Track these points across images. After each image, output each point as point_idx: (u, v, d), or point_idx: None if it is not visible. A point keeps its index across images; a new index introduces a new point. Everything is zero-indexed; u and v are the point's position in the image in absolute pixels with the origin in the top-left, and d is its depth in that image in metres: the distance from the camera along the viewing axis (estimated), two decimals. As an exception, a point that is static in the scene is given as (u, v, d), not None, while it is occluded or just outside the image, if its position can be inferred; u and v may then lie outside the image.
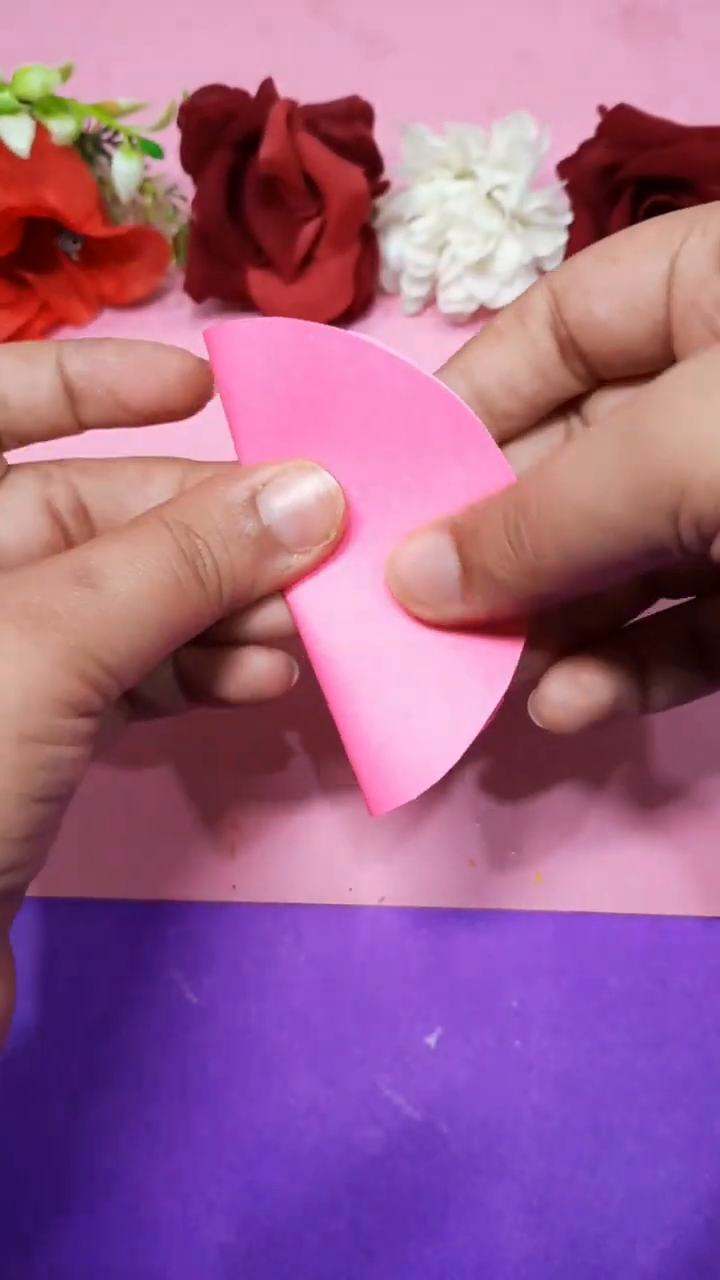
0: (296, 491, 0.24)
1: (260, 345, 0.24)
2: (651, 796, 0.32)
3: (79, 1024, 0.30)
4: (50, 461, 0.27)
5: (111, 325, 0.42)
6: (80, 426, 0.26)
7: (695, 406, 0.19)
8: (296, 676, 0.26)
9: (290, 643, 0.25)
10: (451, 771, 0.24)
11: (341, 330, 0.24)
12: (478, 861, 0.31)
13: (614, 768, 0.32)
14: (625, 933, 0.30)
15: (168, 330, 0.42)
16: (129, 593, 0.21)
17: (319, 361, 0.24)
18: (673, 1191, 0.28)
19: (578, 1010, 0.29)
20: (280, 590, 0.25)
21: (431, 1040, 0.29)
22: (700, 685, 0.27)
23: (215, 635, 0.25)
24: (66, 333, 0.42)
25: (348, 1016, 0.29)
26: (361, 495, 0.25)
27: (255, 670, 0.26)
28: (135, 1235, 0.28)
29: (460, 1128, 0.28)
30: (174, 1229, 0.28)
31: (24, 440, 0.26)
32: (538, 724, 0.25)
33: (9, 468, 0.26)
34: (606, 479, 0.20)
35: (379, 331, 0.42)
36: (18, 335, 0.41)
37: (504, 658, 0.25)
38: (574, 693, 0.25)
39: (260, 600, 0.25)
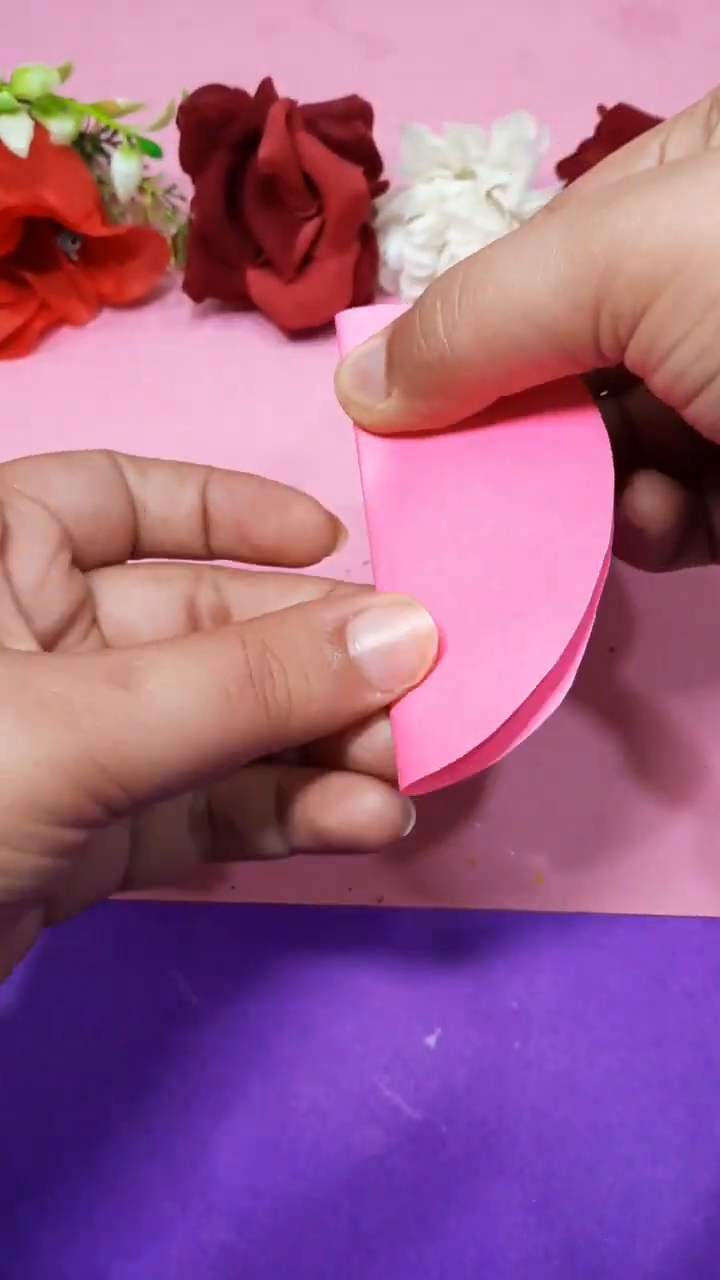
0: (390, 630, 0.22)
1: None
2: (651, 797, 0.32)
3: (79, 1024, 0.30)
4: (203, 563, 0.26)
5: (111, 324, 0.42)
6: (209, 553, 0.26)
7: (633, 200, 0.19)
8: (411, 826, 0.23)
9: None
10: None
11: None
12: (477, 861, 0.31)
13: (614, 768, 0.32)
14: (625, 933, 0.30)
15: (167, 330, 0.42)
16: (165, 701, 0.19)
17: None
18: (671, 1191, 0.28)
19: (577, 1010, 0.29)
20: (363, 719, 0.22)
21: (431, 1040, 0.29)
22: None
23: (320, 756, 0.24)
24: (65, 332, 0.42)
25: (347, 1017, 0.29)
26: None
27: (363, 804, 0.23)
28: (135, 1235, 0.28)
29: (460, 1127, 0.28)
30: (174, 1229, 0.28)
31: (153, 552, 0.26)
32: (634, 522, 0.24)
33: (164, 564, 0.26)
34: (537, 263, 0.20)
35: (378, 331, 0.42)
36: (17, 334, 0.41)
37: (566, 619, 0.21)
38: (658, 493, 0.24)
39: (373, 720, 0.23)
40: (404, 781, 0.22)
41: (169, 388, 0.41)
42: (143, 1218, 0.28)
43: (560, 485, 0.22)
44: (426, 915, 0.31)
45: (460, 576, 0.23)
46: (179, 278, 0.42)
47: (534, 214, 0.25)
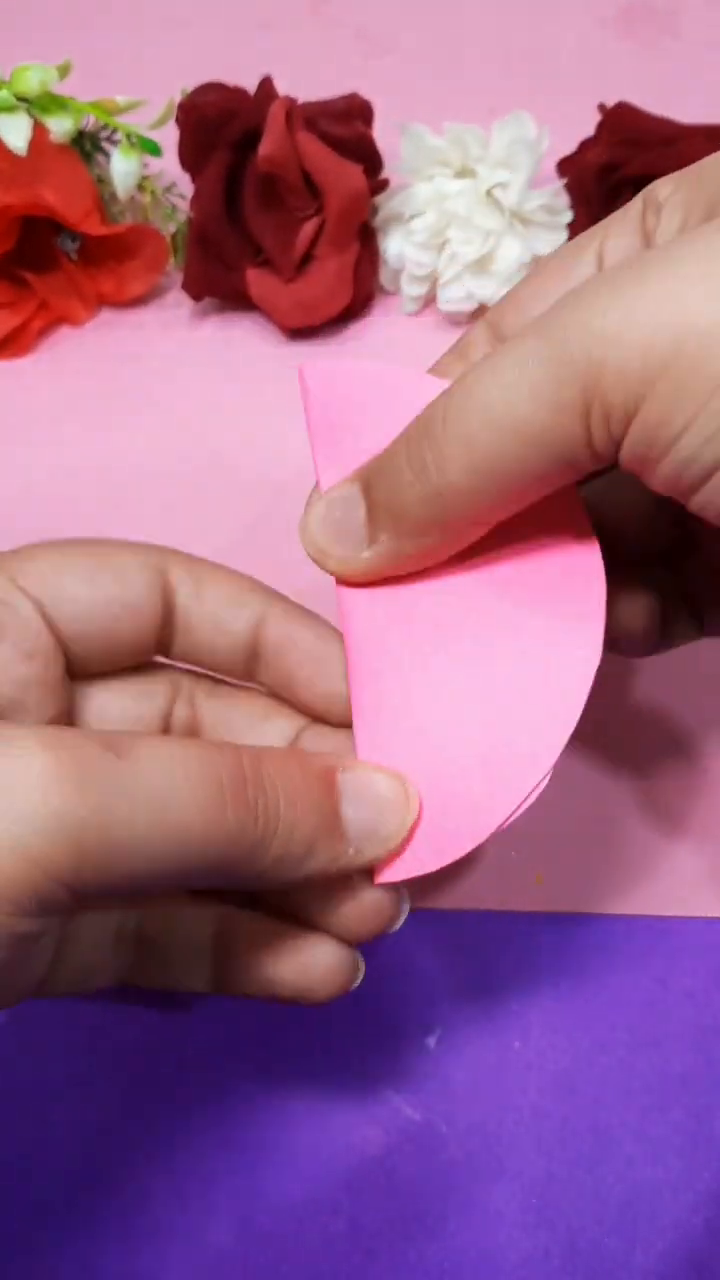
0: (372, 796, 0.22)
1: (355, 392, 0.24)
2: (651, 798, 0.32)
3: (77, 1025, 0.30)
4: (187, 671, 0.26)
5: (110, 324, 0.42)
6: (247, 677, 0.25)
7: (607, 298, 0.18)
8: (359, 981, 0.23)
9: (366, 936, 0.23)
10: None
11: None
12: (478, 862, 0.31)
13: (614, 769, 0.32)
14: (624, 933, 0.30)
15: (166, 329, 0.42)
16: (156, 775, 0.18)
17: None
18: (671, 1191, 0.28)
19: (577, 1010, 0.29)
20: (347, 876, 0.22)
21: (431, 1041, 0.29)
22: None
23: (271, 903, 0.24)
24: (65, 331, 0.42)
25: (347, 1017, 0.29)
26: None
27: (318, 958, 0.23)
28: (135, 1237, 0.28)
29: (459, 1128, 0.28)
30: (173, 1230, 0.28)
31: (179, 659, 0.25)
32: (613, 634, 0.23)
33: (151, 675, 0.25)
34: (517, 376, 0.19)
35: (378, 330, 0.42)
36: (16, 334, 0.41)
37: (551, 740, 0.22)
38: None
39: (352, 885, 0.22)
40: (379, 878, 0.22)
41: (168, 387, 0.41)
42: (142, 1218, 0.28)
43: (551, 612, 0.22)
44: (427, 916, 0.31)
45: (449, 716, 0.23)
46: (178, 277, 0.42)
47: (448, 354, 0.25)
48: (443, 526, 0.21)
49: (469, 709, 0.22)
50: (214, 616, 0.24)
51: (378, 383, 0.24)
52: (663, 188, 0.23)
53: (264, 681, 0.25)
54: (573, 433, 0.19)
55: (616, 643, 0.25)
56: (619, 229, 0.23)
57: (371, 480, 0.22)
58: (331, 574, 0.23)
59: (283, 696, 0.25)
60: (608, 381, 0.18)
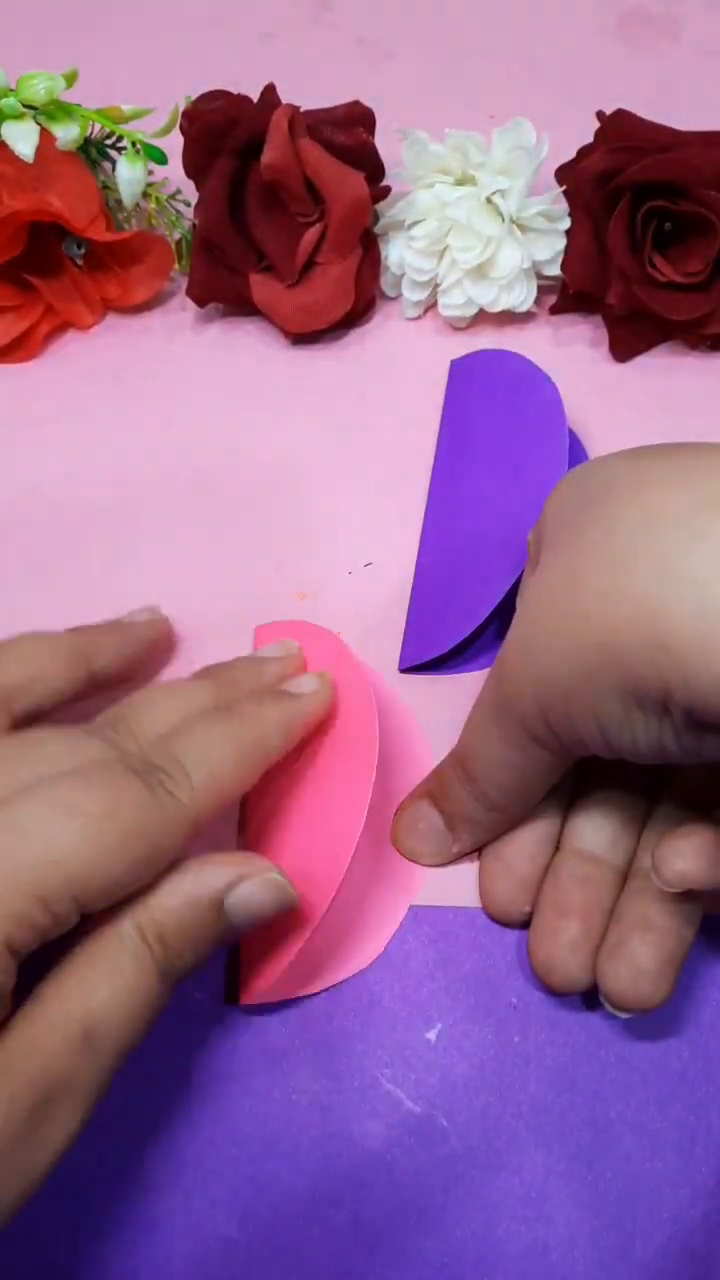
0: (259, 904, 0.25)
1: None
2: (649, 795, 0.32)
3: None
4: None
5: (115, 329, 0.43)
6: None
7: (522, 648, 0.26)
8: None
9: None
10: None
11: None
12: (477, 859, 0.31)
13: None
14: (623, 929, 0.31)
15: (171, 334, 0.43)
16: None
17: None
18: (670, 1185, 0.28)
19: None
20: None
21: (432, 1035, 0.30)
22: None
23: None
24: (71, 336, 0.43)
25: (349, 1012, 0.30)
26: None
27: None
28: (138, 1229, 0.28)
29: (460, 1121, 0.29)
30: (176, 1222, 0.28)
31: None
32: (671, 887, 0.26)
33: None
34: (492, 732, 0.27)
35: (380, 335, 0.42)
36: (23, 338, 0.42)
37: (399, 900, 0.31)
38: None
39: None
40: (244, 998, 0.29)
41: (173, 391, 0.41)
42: (146, 1211, 0.28)
43: (338, 769, 0.29)
44: (427, 911, 0.31)
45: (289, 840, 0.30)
46: (183, 282, 0.43)
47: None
48: (509, 819, 0.29)
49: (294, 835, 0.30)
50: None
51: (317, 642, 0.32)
52: (530, 536, 0.29)
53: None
54: (538, 755, 0.26)
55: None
56: (525, 577, 0.29)
57: (441, 801, 0.30)
58: (427, 866, 0.31)
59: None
60: (553, 715, 0.25)
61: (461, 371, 0.40)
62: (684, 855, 0.25)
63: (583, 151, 0.40)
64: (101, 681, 0.30)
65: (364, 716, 0.29)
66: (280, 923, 0.28)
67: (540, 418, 0.37)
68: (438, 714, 0.33)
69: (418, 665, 0.34)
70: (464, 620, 0.34)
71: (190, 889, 0.24)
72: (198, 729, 0.26)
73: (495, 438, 0.37)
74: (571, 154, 0.41)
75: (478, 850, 0.31)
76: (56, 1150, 0.22)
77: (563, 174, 0.40)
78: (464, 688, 0.34)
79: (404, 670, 0.34)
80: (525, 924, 0.30)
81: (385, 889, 0.31)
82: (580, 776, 0.30)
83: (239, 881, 0.25)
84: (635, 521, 0.23)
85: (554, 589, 0.24)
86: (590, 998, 0.30)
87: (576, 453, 0.38)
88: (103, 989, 0.23)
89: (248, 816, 0.32)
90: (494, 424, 0.38)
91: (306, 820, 0.29)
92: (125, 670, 0.31)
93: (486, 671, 0.34)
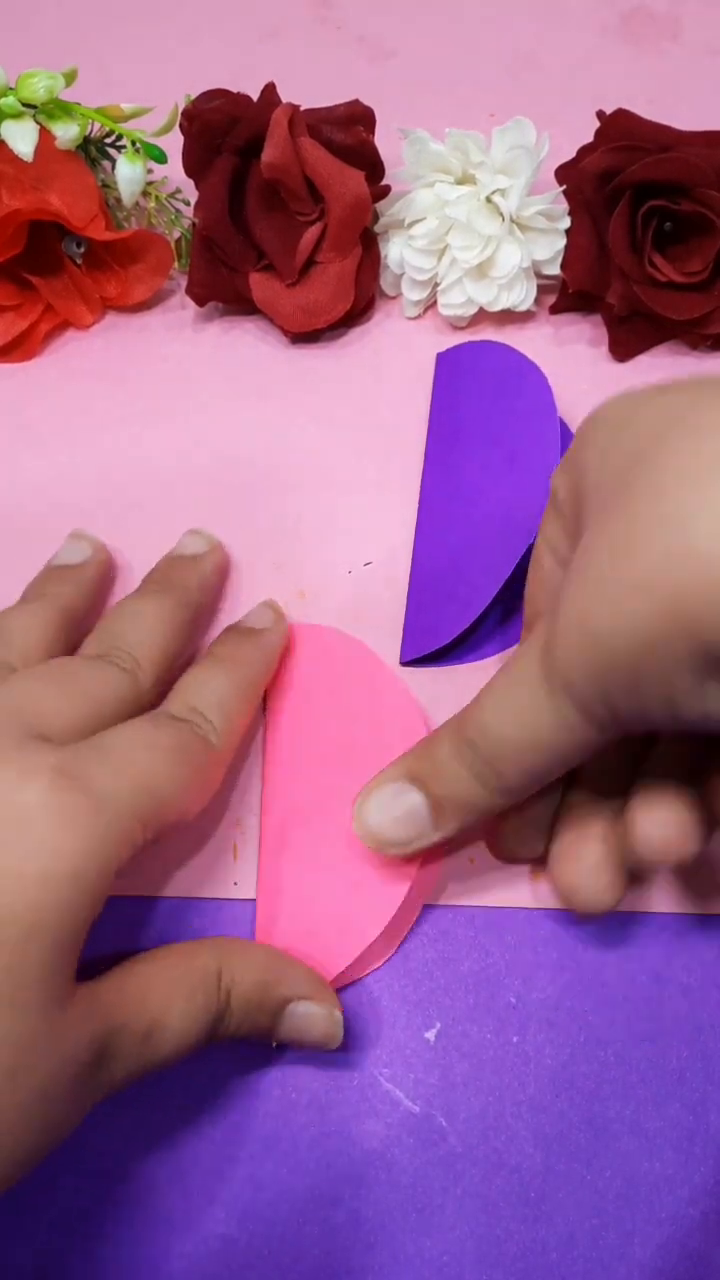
0: (308, 1030, 0.28)
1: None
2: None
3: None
4: None
5: (115, 327, 0.43)
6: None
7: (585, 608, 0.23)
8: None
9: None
10: None
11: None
12: (476, 859, 0.31)
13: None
14: (622, 928, 0.31)
15: (171, 333, 0.43)
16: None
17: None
18: (668, 1185, 0.28)
19: (575, 1005, 0.30)
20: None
21: (430, 1035, 0.30)
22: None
23: None
24: (70, 335, 0.43)
25: (348, 1012, 0.30)
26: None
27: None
28: (137, 1228, 0.28)
29: (459, 1121, 0.29)
30: (175, 1221, 0.28)
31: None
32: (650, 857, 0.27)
33: None
34: (531, 714, 0.24)
35: (380, 334, 0.42)
36: (22, 337, 0.42)
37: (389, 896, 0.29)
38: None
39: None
40: None
41: (173, 390, 0.41)
42: (146, 1211, 0.28)
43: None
44: (426, 911, 0.31)
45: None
46: (183, 281, 0.43)
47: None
48: (513, 800, 0.27)
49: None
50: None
51: (333, 643, 0.34)
52: (556, 479, 0.27)
53: None
54: (586, 736, 0.24)
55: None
56: (548, 525, 0.28)
57: (432, 781, 0.27)
58: (396, 857, 0.29)
59: None
60: (616, 691, 0.23)
61: (448, 363, 0.40)
62: (664, 826, 0.26)
63: (583, 151, 0.40)
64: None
65: (411, 725, 0.31)
66: (323, 934, 0.29)
67: (530, 405, 0.37)
68: (442, 705, 0.33)
69: (419, 658, 0.34)
70: (465, 610, 0.34)
71: (274, 976, 0.27)
72: (206, 680, 0.30)
73: (486, 427, 0.38)
74: (572, 153, 0.40)
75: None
76: (95, 1101, 0.25)
77: (563, 173, 0.40)
78: (466, 677, 0.34)
79: (405, 663, 0.34)
80: (530, 861, 0.30)
81: (414, 895, 0.30)
82: None
83: (310, 999, 0.27)
84: (694, 471, 0.21)
85: (611, 553, 0.22)
86: (592, 995, 0.30)
87: (568, 440, 0.38)
88: (175, 1004, 0.25)
89: (265, 829, 0.32)
90: (483, 414, 0.38)
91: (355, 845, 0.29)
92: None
93: (489, 660, 0.34)
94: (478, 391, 0.39)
